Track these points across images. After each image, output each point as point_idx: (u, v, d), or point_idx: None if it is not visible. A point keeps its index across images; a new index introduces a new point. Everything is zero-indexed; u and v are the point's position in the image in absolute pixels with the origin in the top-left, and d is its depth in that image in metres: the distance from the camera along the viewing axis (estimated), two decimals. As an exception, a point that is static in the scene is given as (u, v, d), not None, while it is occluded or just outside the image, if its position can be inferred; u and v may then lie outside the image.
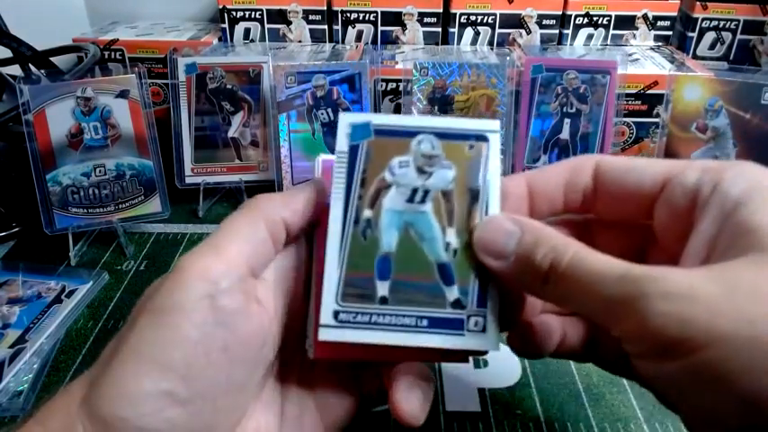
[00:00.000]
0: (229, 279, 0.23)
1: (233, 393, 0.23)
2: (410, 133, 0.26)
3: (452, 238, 0.26)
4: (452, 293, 0.25)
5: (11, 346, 0.39)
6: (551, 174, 0.28)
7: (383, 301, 0.25)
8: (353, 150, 0.26)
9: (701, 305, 0.18)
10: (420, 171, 0.26)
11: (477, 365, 0.39)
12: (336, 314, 0.25)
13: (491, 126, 0.27)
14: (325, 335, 0.25)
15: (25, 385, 0.37)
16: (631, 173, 0.26)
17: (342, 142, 0.26)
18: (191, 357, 0.22)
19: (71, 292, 0.44)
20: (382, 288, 0.25)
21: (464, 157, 0.26)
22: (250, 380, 0.24)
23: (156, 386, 0.21)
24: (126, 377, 0.21)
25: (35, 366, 0.38)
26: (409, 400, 0.24)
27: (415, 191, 0.26)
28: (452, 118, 0.27)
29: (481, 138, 0.26)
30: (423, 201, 0.26)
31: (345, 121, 0.27)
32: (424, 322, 0.25)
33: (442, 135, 0.26)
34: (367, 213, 0.26)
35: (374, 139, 0.26)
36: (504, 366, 0.39)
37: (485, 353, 0.27)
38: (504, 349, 0.40)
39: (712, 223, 0.22)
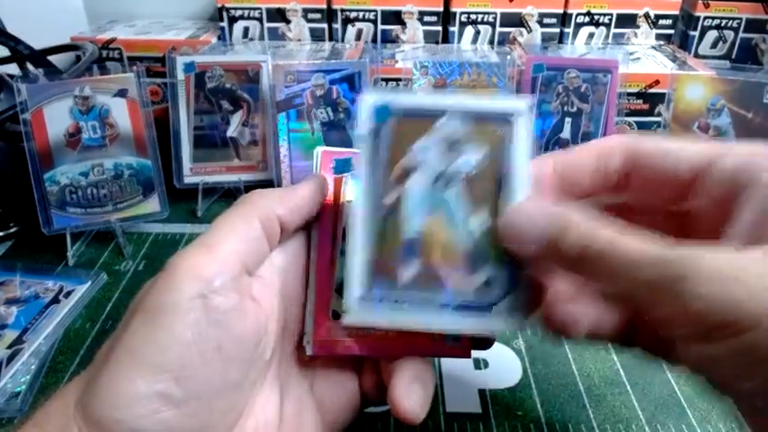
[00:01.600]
0: (222, 278, 0.23)
1: (229, 393, 0.23)
2: (434, 113, 0.26)
3: (477, 223, 0.25)
4: (479, 277, 0.25)
5: (8, 347, 0.39)
6: (580, 155, 0.27)
7: (408, 285, 0.25)
8: (375, 132, 0.26)
9: (746, 285, 0.18)
10: (444, 154, 0.25)
11: (477, 366, 0.39)
12: (361, 298, 0.25)
13: (518, 105, 0.26)
14: (350, 318, 0.25)
15: (23, 386, 0.37)
16: (667, 155, 0.25)
17: (363, 125, 0.26)
18: (184, 358, 0.21)
19: (69, 293, 0.44)
20: (408, 272, 0.25)
21: (491, 139, 0.25)
22: (246, 378, 0.24)
23: (150, 387, 0.21)
24: (119, 379, 0.21)
25: (33, 367, 0.38)
26: (409, 397, 0.24)
27: (439, 175, 0.25)
28: (479, 97, 0.26)
29: (508, 117, 0.26)
30: (448, 185, 0.25)
31: (367, 102, 0.26)
32: (450, 306, 0.25)
33: (468, 115, 0.26)
34: (392, 197, 0.25)
35: (396, 119, 0.26)
36: (505, 367, 0.39)
37: (490, 343, 0.27)
38: (505, 350, 0.40)
39: (757, 208, 0.21)
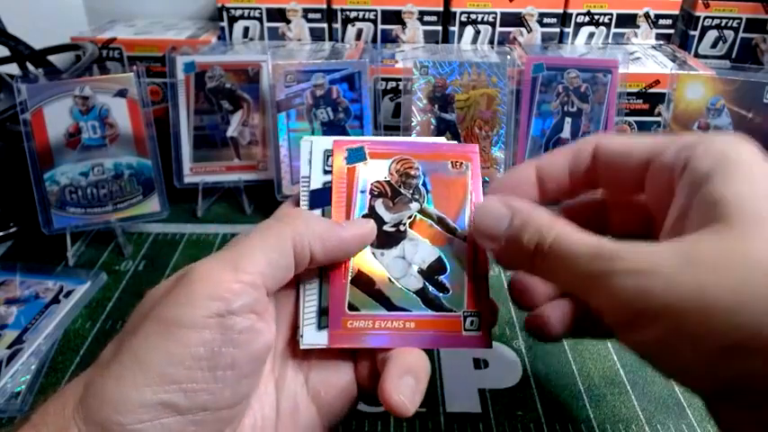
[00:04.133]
0: (242, 300, 0.22)
1: (237, 405, 0.23)
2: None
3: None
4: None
5: (8, 347, 0.39)
6: (557, 157, 0.29)
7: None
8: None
9: (659, 277, 0.20)
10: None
11: (477, 366, 0.39)
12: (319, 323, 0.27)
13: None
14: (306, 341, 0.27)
15: (23, 386, 0.37)
16: (621, 152, 0.27)
17: (305, 166, 0.29)
18: (195, 373, 0.21)
19: (69, 293, 0.44)
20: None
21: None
22: (253, 388, 0.24)
23: (157, 396, 0.21)
24: (127, 384, 0.21)
25: (33, 367, 0.38)
26: (399, 390, 0.24)
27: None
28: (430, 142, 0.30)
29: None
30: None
31: (307, 145, 0.29)
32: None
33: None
34: None
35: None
36: (505, 367, 0.39)
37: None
38: (505, 350, 0.40)
39: (684, 198, 0.23)
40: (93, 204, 0.50)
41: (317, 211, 0.28)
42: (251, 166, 0.57)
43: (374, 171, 0.29)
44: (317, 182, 0.29)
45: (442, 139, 0.31)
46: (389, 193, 0.29)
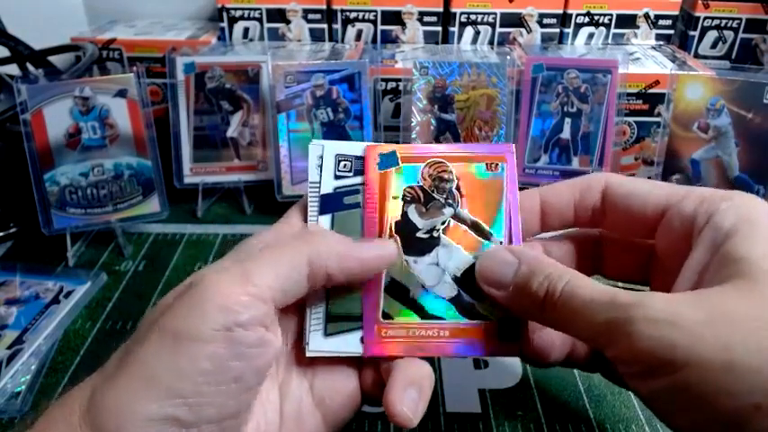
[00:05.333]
0: (251, 313, 0.22)
1: (239, 413, 0.23)
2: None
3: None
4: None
5: (8, 347, 0.39)
6: (563, 190, 0.29)
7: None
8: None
9: (683, 330, 0.20)
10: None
11: (477, 366, 0.39)
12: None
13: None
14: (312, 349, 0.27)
15: (23, 386, 0.37)
16: (636, 196, 0.27)
17: (314, 172, 0.28)
18: (201, 387, 0.21)
19: (69, 293, 0.44)
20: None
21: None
22: (256, 398, 0.24)
23: (163, 411, 0.21)
24: (132, 397, 0.21)
25: (33, 368, 0.38)
26: (403, 401, 0.24)
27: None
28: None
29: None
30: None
31: (316, 150, 0.29)
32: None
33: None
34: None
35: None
36: (505, 367, 0.39)
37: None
38: (505, 350, 0.40)
39: (705, 252, 0.23)
40: (93, 205, 0.50)
41: (327, 217, 0.28)
42: (251, 166, 0.57)
43: (407, 176, 0.29)
44: (328, 187, 0.28)
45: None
46: (422, 199, 0.28)
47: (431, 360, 0.27)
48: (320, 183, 0.28)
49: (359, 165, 0.28)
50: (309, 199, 0.28)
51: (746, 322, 0.19)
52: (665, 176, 0.52)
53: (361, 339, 0.27)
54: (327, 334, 0.27)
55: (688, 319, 0.20)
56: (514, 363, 0.39)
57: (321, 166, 0.28)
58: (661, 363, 0.20)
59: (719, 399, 0.19)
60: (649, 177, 0.58)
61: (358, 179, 0.28)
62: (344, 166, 0.29)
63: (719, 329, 0.19)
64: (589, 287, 0.23)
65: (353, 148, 0.29)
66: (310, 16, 0.65)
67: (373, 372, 0.27)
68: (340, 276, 0.25)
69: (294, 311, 0.27)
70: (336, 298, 0.27)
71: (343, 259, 0.25)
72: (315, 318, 0.27)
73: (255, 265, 0.23)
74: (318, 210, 0.28)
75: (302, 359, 0.27)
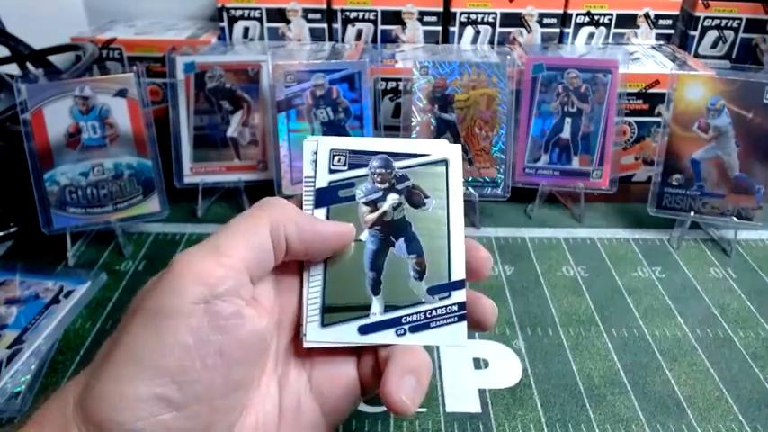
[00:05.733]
0: (227, 284, 0.23)
1: (231, 393, 0.23)
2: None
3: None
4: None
5: (8, 347, 0.39)
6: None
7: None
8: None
9: None
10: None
11: (477, 366, 0.39)
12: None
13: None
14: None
15: (23, 386, 0.37)
16: None
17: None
18: (185, 362, 0.21)
19: (69, 293, 0.44)
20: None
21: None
22: (248, 378, 0.24)
23: (150, 390, 0.21)
24: (120, 381, 0.21)
25: (33, 367, 0.38)
26: (401, 389, 0.24)
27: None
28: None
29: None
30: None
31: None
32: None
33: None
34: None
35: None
36: (505, 367, 0.39)
37: None
38: (505, 350, 0.40)
39: None
40: (93, 204, 0.50)
41: (323, 210, 0.28)
42: (251, 166, 0.57)
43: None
44: (323, 181, 0.29)
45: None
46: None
47: (429, 351, 0.27)
48: (315, 177, 0.29)
49: (353, 159, 0.29)
50: (305, 193, 0.29)
51: None
52: (665, 176, 0.52)
53: (359, 329, 0.27)
54: (324, 324, 0.27)
55: None
56: (515, 363, 0.39)
57: (315, 162, 0.29)
58: None
59: None
60: (649, 177, 0.58)
61: (352, 173, 0.29)
62: (338, 160, 0.29)
63: None
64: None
65: (348, 143, 0.30)
66: (310, 16, 0.65)
67: (371, 362, 0.27)
68: (299, 246, 0.26)
69: (291, 304, 0.27)
70: (333, 288, 0.27)
71: (300, 227, 0.26)
72: (312, 309, 0.27)
73: (225, 237, 0.24)
74: (314, 204, 0.29)
75: (300, 351, 0.27)
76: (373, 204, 0.29)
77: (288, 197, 0.29)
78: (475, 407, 0.36)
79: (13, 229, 0.52)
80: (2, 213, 0.52)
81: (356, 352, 0.27)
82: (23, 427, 0.21)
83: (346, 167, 0.29)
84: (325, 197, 0.29)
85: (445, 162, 0.29)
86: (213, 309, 0.22)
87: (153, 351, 0.21)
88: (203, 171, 0.56)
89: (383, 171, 0.29)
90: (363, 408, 0.36)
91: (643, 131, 0.60)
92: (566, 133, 0.55)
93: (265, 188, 0.56)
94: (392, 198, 0.29)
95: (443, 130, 0.54)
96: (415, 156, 0.29)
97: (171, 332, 0.21)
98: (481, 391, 0.37)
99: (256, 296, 0.25)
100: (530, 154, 0.56)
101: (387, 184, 0.29)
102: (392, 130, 0.58)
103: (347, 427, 0.34)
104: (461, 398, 0.37)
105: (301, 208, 0.29)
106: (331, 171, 0.29)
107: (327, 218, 0.28)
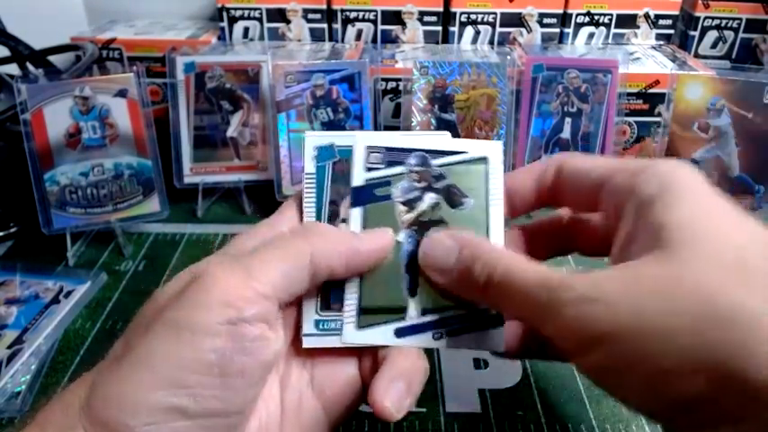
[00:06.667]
0: (254, 309, 0.22)
1: (245, 409, 0.23)
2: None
3: None
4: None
5: (8, 347, 0.39)
6: (524, 174, 0.30)
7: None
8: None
9: (603, 305, 0.20)
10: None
11: (477, 366, 0.39)
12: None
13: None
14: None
15: (23, 386, 0.37)
16: (581, 171, 0.28)
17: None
18: (205, 378, 0.21)
19: (69, 293, 0.44)
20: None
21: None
22: (260, 392, 0.24)
23: (166, 400, 0.21)
24: (136, 386, 0.21)
25: (33, 367, 0.38)
26: (387, 395, 0.24)
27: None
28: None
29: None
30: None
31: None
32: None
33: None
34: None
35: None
36: (505, 367, 0.39)
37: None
38: (505, 350, 0.40)
39: (631, 223, 0.23)
40: (93, 204, 0.50)
41: (360, 209, 0.28)
42: (251, 166, 0.57)
43: None
44: (360, 179, 0.28)
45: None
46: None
47: (429, 352, 0.26)
48: (352, 175, 0.28)
49: (389, 156, 0.28)
50: (305, 192, 0.28)
51: (659, 290, 0.20)
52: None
53: (396, 331, 0.27)
54: (361, 326, 0.27)
55: (608, 293, 0.20)
56: (515, 363, 0.39)
57: (351, 159, 0.28)
58: (589, 338, 0.21)
59: (638, 367, 0.20)
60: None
61: (389, 171, 0.28)
62: (375, 158, 0.28)
63: (634, 300, 0.20)
64: (524, 269, 0.23)
65: (384, 139, 0.29)
66: (310, 16, 0.65)
67: (371, 362, 0.27)
68: (343, 272, 0.26)
69: (293, 304, 0.27)
70: (369, 290, 0.27)
71: (346, 256, 0.25)
72: (348, 310, 0.27)
73: (260, 261, 0.23)
74: (351, 202, 0.28)
75: (301, 351, 0.27)
76: (410, 204, 0.28)
77: (287, 197, 0.29)
78: (475, 407, 0.36)
79: (13, 229, 0.52)
80: (2, 213, 0.52)
81: (357, 351, 0.27)
82: (26, 428, 0.21)
83: (383, 165, 0.28)
84: (362, 196, 0.28)
85: (485, 160, 0.28)
86: (239, 331, 0.22)
87: (173, 362, 0.21)
88: (203, 171, 0.56)
89: (421, 169, 0.28)
90: (363, 408, 0.36)
91: (643, 131, 0.60)
92: (566, 133, 0.55)
93: (265, 188, 0.56)
94: (430, 197, 0.28)
95: (443, 130, 0.54)
96: (454, 153, 0.28)
97: (194, 347, 0.21)
98: (481, 391, 0.37)
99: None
100: (530, 154, 0.56)
101: (424, 183, 0.28)
102: (392, 130, 0.58)
103: (347, 427, 0.34)
104: (461, 398, 0.37)
105: (301, 203, 0.28)
106: (368, 169, 0.28)
107: (364, 218, 0.28)
